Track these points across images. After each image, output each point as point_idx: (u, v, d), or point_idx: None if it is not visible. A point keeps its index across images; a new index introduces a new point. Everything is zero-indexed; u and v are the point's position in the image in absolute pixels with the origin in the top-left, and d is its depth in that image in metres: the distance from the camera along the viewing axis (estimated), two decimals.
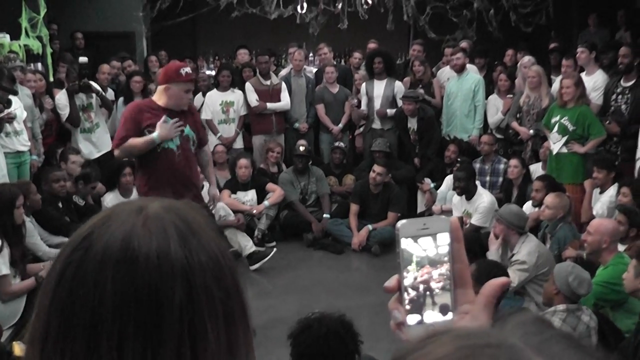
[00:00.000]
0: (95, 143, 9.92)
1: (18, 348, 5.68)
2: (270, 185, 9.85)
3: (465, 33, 12.25)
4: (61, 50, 12.47)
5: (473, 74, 10.81)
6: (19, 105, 8.56)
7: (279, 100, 10.91)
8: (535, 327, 0.83)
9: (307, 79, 11.54)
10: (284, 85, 11.05)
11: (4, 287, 6.22)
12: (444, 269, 1.13)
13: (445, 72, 11.49)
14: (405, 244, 1.13)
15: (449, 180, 9.57)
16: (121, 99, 10.45)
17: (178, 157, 6.39)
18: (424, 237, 1.13)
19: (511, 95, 10.32)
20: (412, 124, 10.46)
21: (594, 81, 9.45)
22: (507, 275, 5.90)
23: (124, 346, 1.03)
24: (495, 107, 10.49)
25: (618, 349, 5.08)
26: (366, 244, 9.50)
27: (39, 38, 10.98)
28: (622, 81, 9.23)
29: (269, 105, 10.78)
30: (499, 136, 10.31)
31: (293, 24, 12.05)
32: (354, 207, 9.85)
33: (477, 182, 9.12)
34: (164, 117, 6.30)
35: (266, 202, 9.68)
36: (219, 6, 11.72)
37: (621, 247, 6.38)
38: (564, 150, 8.73)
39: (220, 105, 10.69)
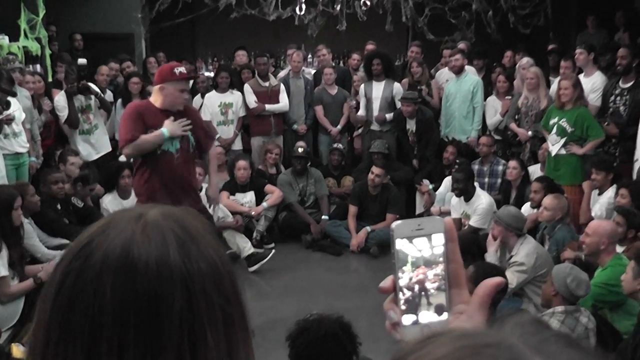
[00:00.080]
0: (94, 145, 9.91)
1: (16, 350, 5.68)
2: (268, 187, 9.86)
3: (463, 34, 12.26)
4: (60, 51, 12.47)
5: (472, 76, 10.81)
6: (17, 107, 8.55)
7: (277, 101, 10.90)
8: (534, 328, 0.83)
9: (306, 80, 11.54)
10: (282, 86, 11.04)
11: (3, 288, 6.22)
12: (439, 269, 1.14)
13: (443, 74, 11.49)
14: (401, 244, 1.13)
15: (447, 181, 9.57)
16: (119, 101, 10.44)
17: (177, 160, 6.38)
18: (419, 238, 1.14)
19: (510, 97, 10.32)
20: (411, 125, 10.46)
21: (593, 82, 9.45)
22: (505, 277, 5.91)
23: (124, 354, 1.03)
24: (494, 108, 10.49)
25: (616, 350, 5.08)
26: (365, 245, 9.50)
27: (38, 39, 10.99)
28: (620, 82, 9.23)
29: (268, 106, 10.78)
30: (497, 137, 10.31)
31: (292, 26, 12.06)
32: (352, 209, 9.85)
33: (476, 184, 9.11)
34: (171, 118, 6.31)
35: (265, 204, 9.68)
36: (218, 7, 11.73)
37: (619, 249, 6.39)
38: (563, 151, 8.73)
39: (219, 107, 10.68)
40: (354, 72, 11.86)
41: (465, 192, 8.79)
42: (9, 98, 8.39)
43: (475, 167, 9.83)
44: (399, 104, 10.53)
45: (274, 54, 13.60)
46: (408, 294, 1.13)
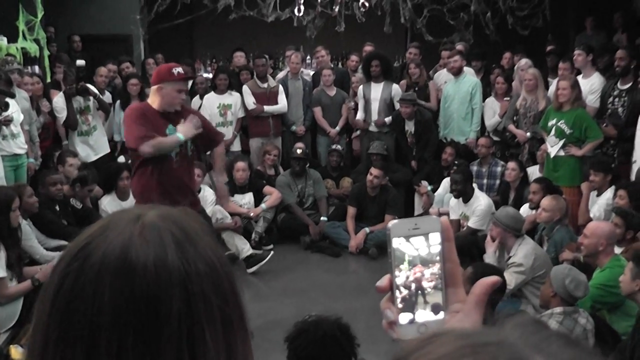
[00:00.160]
0: (92, 146, 9.91)
1: (15, 351, 5.68)
2: (267, 188, 9.86)
3: (462, 36, 12.27)
4: (58, 52, 12.47)
5: (470, 77, 10.81)
6: (16, 108, 8.55)
7: (276, 103, 10.90)
8: (533, 328, 0.83)
9: (304, 81, 11.53)
10: (281, 88, 11.04)
11: (1, 289, 6.21)
12: (436, 268, 1.14)
13: (442, 75, 11.48)
14: (397, 243, 1.14)
15: (446, 183, 9.57)
16: (118, 102, 10.44)
17: (176, 164, 6.35)
18: (415, 237, 1.14)
19: (508, 98, 10.31)
20: (410, 126, 10.46)
21: (591, 84, 9.46)
22: (503, 278, 5.91)
23: (123, 355, 1.03)
24: (493, 109, 10.48)
25: (615, 351, 5.08)
26: (363, 246, 9.50)
27: (37, 41, 11.00)
28: (618, 84, 9.24)
29: (266, 108, 10.78)
30: (496, 139, 10.30)
31: (290, 27, 12.09)
32: (351, 210, 9.85)
33: (474, 185, 9.11)
34: (181, 120, 6.30)
35: (263, 205, 9.68)
36: (217, 9, 11.75)
37: (618, 250, 6.39)
38: (562, 153, 8.73)
39: (217, 108, 10.67)
40: (352, 74, 11.86)
41: (463, 193, 8.80)
42: (8, 99, 8.40)
43: (474, 168, 9.83)
44: (397, 106, 10.53)
45: (273, 55, 13.62)
46: (405, 292, 1.14)
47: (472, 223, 8.65)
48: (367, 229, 9.61)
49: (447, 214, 9.02)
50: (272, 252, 8.96)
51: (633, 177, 8.26)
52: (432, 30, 12.30)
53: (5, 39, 10.20)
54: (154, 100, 6.23)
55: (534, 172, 9.38)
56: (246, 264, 8.71)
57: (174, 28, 12.55)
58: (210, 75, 12.23)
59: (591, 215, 8.05)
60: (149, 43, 14.20)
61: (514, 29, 11.98)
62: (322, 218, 10.02)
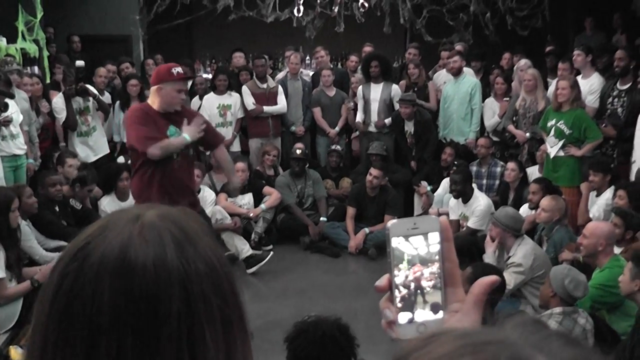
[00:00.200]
0: (92, 147, 9.90)
1: (14, 352, 5.68)
2: (266, 189, 9.86)
3: (461, 36, 12.26)
4: (58, 53, 12.47)
5: (470, 77, 10.80)
6: (15, 109, 8.55)
7: (275, 103, 10.90)
8: (533, 327, 0.84)
9: (304, 82, 11.53)
10: (280, 88, 11.04)
11: (0, 290, 6.21)
12: (435, 267, 1.14)
13: (441, 76, 11.48)
14: (396, 242, 1.14)
15: (445, 183, 9.57)
16: (118, 103, 10.44)
17: (177, 165, 6.35)
18: (414, 236, 1.14)
19: (508, 99, 10.31)
20: (409, 127, 10.46)
21: (590, 84, 9.45)
22: (502, 278, 5.91)
23: (122, 356, 1.03)
24: (492, 110, 10.47)
25: (614, 351, 5.08)
26: (363, 247, 9.50)
27: (36, 41, 11.00)
28: (618, 84, 9.24)
29: (266, 108, 10.78)
30: (495, 139, 10.29)
31: (290, 27, 12.07)
32: (350, 210, 9.85)
33: (474, 185, 9.12)
34: (185, 121, 6.30)
35: (263, 206, 9.68)
36: (216, 9, 11.74)
37: (617, 250, 6.39)
38: (561, 153, 8.72)
39: (217, 109, 10.67)
40: (352, 74, 11.86)
41: (463, 193, 8.80)
42: (7, 100, 8.40)
43: (473, 168, 9.83)
44: (397, 106, 10.53)
45: (272, 55, 13.61)
46: (404, 291, 1.14)
47: (471, 223, 8.66)
48: (366, 230, 9.62)
49: (447, 214, 9.02)
50: (271, 253, 8.97)
51: (632, 178, 8.26)
52: (432, 31, 12.29)
53: (4, 39, 10.20)
54: (154, 100, 6.22)
55: (533, 172, 9.38)
56: (246, 265, 8.72)
57: (174, 29, 12.53)
58: (210, 76, 12.23)
59: (590, 215, 8.05)
60: (148, 44, 14.20)
61: (514, 30, 11.97)
62: (321, 218, 10.02)
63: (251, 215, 9.57)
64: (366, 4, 11.44)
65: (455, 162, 9.92)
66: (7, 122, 8.38)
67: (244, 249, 8.88)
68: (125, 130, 6.48)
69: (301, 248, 9.75)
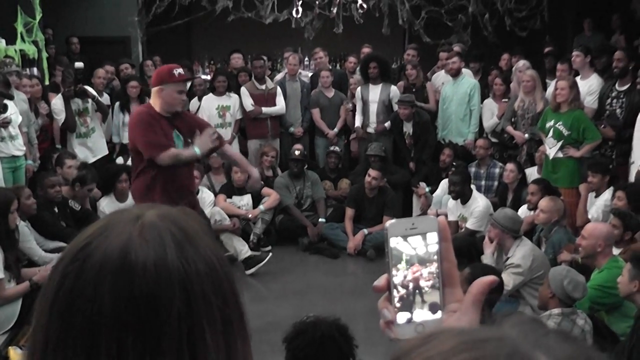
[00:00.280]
0: (91, 148, 9.91)
1: (14, 353, 5.67)
2: (265, 190, 9.85)
3: (460, 37, 12.27)
4: (57, 54, 12.47)
5: (469, 78, 10.80)
6: (14, 110, 8.55)
7: (274, 104, 10.91)
8: (531, 325, 0.84)
9: (302, 83, 11.54)
10: (279, 89, 11.05)
11: None
12: (433, 267, 1.14)
13: (440, 77, 11.49)
14: (395, 242, 1.14)
15: (444, 184, 9.58)
16: (117, 104, 10.45)
17: (179, 166, 6.37)
18: (413, 236, 1.14)
19: (506, 100, 10.31)
20: (408, 128, 10.46)
21: (589, 85, 9.46)
22: (500, 279, 5.91)
23: (123, 356, 1.03)
24: (491, 111, 10.48)
25: (613, 352, 5.08)
26: (362, 248, 9.50)
27: (35, 43, 11.00)
28: (616, 85, 9.25)
29: (264, 109, 10.79)
30: (494, 140, 10.30)
31: (288, 29, 12.06)
32: (349, 212, 9.85)
33: (473, 186, 9.12)
34: (197, 132, 6.32)
35: (261, 207, 9.68)
36: (215, 10, 11.73)
37: (616, 251, 6.39)
38: (560, 154, 8.72)
39: (216, 110, 10.68)
40: (350, 75, 11.86)
41: (462, 194, 8.81)
42: (6, 101, 8.40)
43: (472, 169, 9.84)
44: (396, 107, 10.53)
45: (271, 57, 13.61)
46: (402, 291, 1.14)
47: (470, 224, 8.66)
48: (365, 231, 9.62)
49: (445, 215, 9.02)
50: (270, 254, 8.96)
51: (631, 179, 8.26)
52: (430, 32, 12.28)
53: (3, 41, 10.20)
54: (155, 102, 6.22)
55: (532, 173, 9.39)
56: (245, 266, 8.72)
57: (172, 30, 12.53)
58: (209, 77, 12.23)
59: (589, 216, 8.06)
60: (147, 45, 14.20)
61: (512, 31, 11.97)
62: (320, 219, 10.01)
63: (250, 216, 9.57)
64: (365, 5, 11.44)
65: (454, 163, 9.93)
66: (6, 124, 8.38)
67: (243, 250, 8.88)
68: (131, 132, 6.41)
69: (300, 249, 9.75)
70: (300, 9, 11.45)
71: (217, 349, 1.08)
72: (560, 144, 8.68)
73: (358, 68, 11.58)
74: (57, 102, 9.73)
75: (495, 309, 5.49)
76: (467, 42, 12.27)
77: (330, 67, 12.32)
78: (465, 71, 10.94)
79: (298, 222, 9.96)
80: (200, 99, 10.85)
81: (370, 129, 10.85)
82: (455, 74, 10.63)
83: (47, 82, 10.86)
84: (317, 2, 11.66)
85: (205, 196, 9.25)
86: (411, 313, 1.13)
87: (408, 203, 10.52)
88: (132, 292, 1.04)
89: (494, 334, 0.82)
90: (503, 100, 10.38)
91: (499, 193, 9.57)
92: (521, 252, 6.81)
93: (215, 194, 9.62)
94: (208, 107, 10.65)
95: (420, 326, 1.12)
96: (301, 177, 10.21)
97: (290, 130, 11.29)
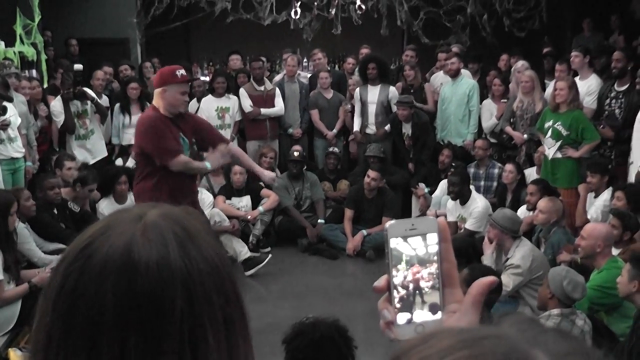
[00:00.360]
0: (90, 150, 9.92)
1: (14, 354, 5.67)
2: (264, 191, 9.85)
3: (459, 38, 12.28)
4: (56, 56, 12.47)
5: (467, 79, 10.80)
6: (13, 112, 8.56)
7: (272, 105, 10.91)
8: (529, 324, 0.85)
9: (301, 84, 11.54)
10: (277, 90, 11.05)
11: None
12: (433, 268, 1.14)
13: (438, 77, 11.49)
14: (395, 243, 1.14)
15: (443, 185, 9.57)
16: (117, 106, 10.45)
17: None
18: (413, 237, 1.14)
19: (505, 100, 10.31)
20: (407, 129, 10.45)
21: (588, 85, 9.46)
22: (499, 279, 5.91)
23: (125, 354, 1.03)
24: (490, 111, 10.48)
25: (613, 352, 5.08)
26: (361, 249, 9.50)
27: (34, 45, 10.99)
28: (615, 85, 9.25)
29: (263, 110, 10.79)
30: (493, 141, 10.29)
31: (287, 30, 12.09)
32: (348, 213, 9.85)
33: (472, 187, 9.12)
34: (209, 149, 6.39)
35: (261, 208, 9.67)
36: (213, 12, 11.75)
37: (615, 251, 6.39)
38: (559, 155, 8.73)
39: (215, 111, 10.67)
40: (349, 76, 11.86)
41: (461, 195, 8.80)
42: (5, 103, 8.40)
43: (471, 170, 9.83)
44: (394, 108, 10.53)
45: (270, 58, 13.62)
46: (402, 292, 1.14)
47: (469, 225, 8.66)
48: (364, 232, 9.62)
49: (445, 216, 9.03)
50: (269, 255, 8.97)
51: (630, 179, 8.26)
52: (429, 33, 12.30)
53: (2, 43, 10.19)
54: (158, 103, 6.22)
55: (531, 174, 9.39)
56: (244, 267, 8.72)
57: (171, 31, 12.56)
58: (208, 78, 12.24)
59: (588, 216, 8.06)
60: (145, 47, 14.20)
61: (511, 31, 11.99)
62: (319, 220, 10.01)
63: (249, 217, 9.57)
64: (363, 6, 11.46)
65: (453, 164, 9.93)
66: (5, 126, 8.38)
67: (242, 251, 8.88)
68: (140, 138, 6.38)
69: (299, 250, 9.75)
70: (298, 10, 11.48)
71: (218, 348, 1.08)
72: (559, 144, 8.69)
73: (357, 69, 11.57)
74: (56, 104, 9.74)
75: (494, 309, 5.49)
76: (465, 42, 12.29)
77: (329, 68, 12.32)
78: (464, 72, 10.95)
79: (297, 223, 9.96)
80: (199, 101, 10.84)
81: (369, 130, 10.85)
82: (455, 74, 10.63)
83: (45, 84, 10.85)
84: (315, 4, 11.69)
85: (205, 197, 9.25)
86: (411, 314, 1.14)
87: (407, 204, 10.52)
88: (135, 291, 1.04)
89: (492, 332, 0.83)
90: (502, 100, 10.38)
91: (498, 194, 9.56)
92: (520, 253, 6.81)
93: (215, 195, 9.63)
94: (207, 108, 10.64)
95: (420, 327, 1.12)
96: (300, 178, 10.21)
97: (289, 132, 11.29)
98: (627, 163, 8.60)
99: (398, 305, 1.14)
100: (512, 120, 9.90)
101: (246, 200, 9.76)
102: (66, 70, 10.79)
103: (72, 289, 1.06)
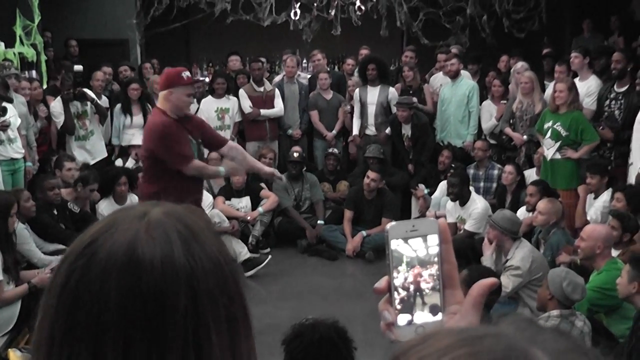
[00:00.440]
0: (89, 150, 9.92)
1: (14, 355, 5.67)
2: (264, 192, 9.86)
3: (458, 39, 12.28)
4: (56, 57, 12.48)
5: (467, 80, 10.81)
6: (13, 113, 8.56)
7: (272, 106, 10.93)
8: (527, 323, 0.86)
9: (300, 85, 11.56)
10: (277, 91, 11.07)
11: None
12: (434, 269, 1.14)
13: (438, 78, 11.49)
14: (396, 244, 1.14)
15: (442, 186, 9.58)
16: (119, 106, 10.45)
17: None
18: (413, 239, 1.14)
19: (505, 101, 10.32)
20: (406, 130, 10.46)
21: (588, 86, 9.46)
22: (498, 280, 5.91)
23: (129, 352, 1.03)
24: (489, 112, 10.49)
25: (612, 354, 5.08)
26: (360, 250, 9.50)
27: (34, 46, 10.99)
28: (615, 87, 9.24)
29: (263, 111, 10.80)
30: (492, 142, 10.30)
31: (287, 31, 12.08)
32: (348, 213, 9.85)
33: (471, 188, 9.12)
34: (224, 160, 6.45)
35: (260, 209, 9.68)
36: (213, 13, 11.75)
37: (615, 253, 6.39)
38: (558, 156, 8.73)
39: (215, 112, 10.68)
40: (349, 77, 11.86)
41: (460, 196, 8.81)
42: (5, 104, 8.41)
43: (471, 171, 9.84)
44: (394, 109, 10.53)
45: (269, 59, 13.62)
46: (403, 293, 1.14)
47: (468, 226, 8.66)
48: (364, 233, 9.61)
49: (444, 217, 9.03)
50: (269, 256, 8.98)
51: (630, 180, 8.26)
52: (428, 34, 12.30)
53: (2, 44, 10.19)
54: (164, 105, 6.21)
55: (530, 175, 9.40)
56: (244, 268, 8.70)
57: (170, 32, 12.55)
58: (207, 79, 12.24)
59: (588, 217, 8.07)
60: (145, 48, 14.20)
61: (510, 32, 11.99)
62: (319, 221, 10.01)
63: (249, 218, 9.58)
64: (363, 7, 11.46)
65: (453, 165, 9.94)
66: (5, 127, 8.39)
67: (242, 252, 8.88)
68: (154, 142, 6.28)
69: (299, 251, 9.76)
70: (298, 11, 11.48)
71: (221, 346, 1.09)
72: (558, 144, 8.69)
73: (356, 70, 11.58)
74: (56, 105, 9.75)
75: (493, 310, 5.49)
76: (465, 43, 12.29)
77: (329, 69, 12.32)
78: (464, 73, 10.96)
79: (297, 224, 9.97)
80: (199, 102, 10.84)
81: (369, 131, 10.85)
82: (454, 75, 10.65)
83: (45, 85, 10.85)
84: (315, 5, 11.68)
85: (204, 198, 9.23)
86: (412, 315, 1.14)
87: (407, 205, 10.52)
88: (139, 289, 1.05)
89: (491, 331, 0.84)
90: (501, 101, 10.40)
91: (497, 195, 9.57)
92: (520, 254, 6.81)
93: (214, 196, 9.63)
94: (207, 109, 10.64)
95: (420, 328, 1.12)
96: (300, 179, 10.22)
97: (288, 133, 11.30)
98: (627, 164, 8.60)
99: (399, 307, 1.14)
100: (511, 121, 9.91)
101: (246, 201, 9.77)
102: (66, 71, 10.81)
103: (76, 287, 1.06)
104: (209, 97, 10.85)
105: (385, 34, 12.24)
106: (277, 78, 11.99)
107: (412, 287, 1.14)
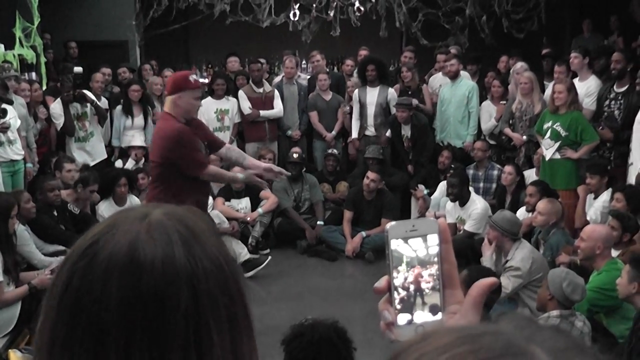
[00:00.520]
0: (89, 152, 9.92)
1: (14, 356, 5.67)
2: (264, 193, 9.84)
3: (457, 39, 12.28)
4: (55, 59, 12.48)
5: (467, 81, 10.80)
6: (13, 115, 8.56)
7: (271, 107, 10.92)
8: (525, 322, 0.86)
9: (300, 86, 11.55)
10: (276, 92, 11.06)
11: None
12: (434, 269, 1.14)
13: (437, 79, 11.49)
14: (395, 244, 1.14)
15: (442, 186, 9.58)
16: (118, 108, 10.46)
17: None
18: (413, 238, 1.14)
19: (504, 102, 10.32)
20: (406, 130, 10.45)
21: (587, 87, 9.45)
22: (498, 280, 5.91)
23: (130, 352, 1.04)
24: (489, 113, 10.49)
25: (612, 354, 5.08)
26: (360, 250, 9.49)
27: (33, 47, 11.00)
28: (615, 87, 9.24)
29: (262, 112, 10.80)
30: (492, 142, 10.30)
31: (286, 32, 12.09)
32: (347, 214, 9.85)
33: (471, 189, 9.12)
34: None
35: (260, 210, 9.68)
36: (212, 14, 11.75)
37: (615, 253, 6.39)
38: (557, 156, 8.73)
39: (215, 113, 10.68)
40: (348, 78, 11.86)
41: (460, 197, 8.80)
42: (5, 106, 8.41)
43: (470, 172, 9.84)
44: (393, 110, 10.53)
45: (269, 60, 13.62)
46: (403, 293, 1.14)
47: (468, 227, 8.66)
48: (363, 233, 9.61)
49: (444, 217, 9.02)
50: (269, 257, 8.97)
51: (630, 180, 8.26)
52: (427, 34, 12.31)
53: (2, 46, 10.20)
54: (173, 110, 6.17)
55: (530, 175, 9.39)
56: (243, 269, 8.70)
57: (170, 34, 12.56)
58: (206, 81, 12.24)
59: (588, 218, 8.06)
60: (144, 49, 14.20)
61: (510, 33, 12.00)
62: (318, 222, 10.00)
63: (248, 219, 9.58)
64: (362, 8, 11.46)
65: (452, 166, 9.94)
66: (5, 128, 8.39)
67: (242, 253, 8.88)
68: (169, 149, 6.19)
69: (298, 252, 9.76)
70: (297, 12, 11.49)
71: (223, 346, 1.09)
72: (557, 145, 8.69)
73: (355, 71, 11.58)
74: (55, 106, 9.75)
75: (492, 310, 5.49)
76: (464, 44, 12.29)
77: (328, 70, 12.33)
78: (464, 73, 10.95)
79: (296, 225, 9.96)
80: None
81: (368, 132, 10.85)
82: (454, 76, 10.64)
83: (44, 87, 10.85)
84: (314, 6, 11.69)
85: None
86: (412, 315, 1.14)
87: (406, 205, 10.51)
88: (140, 290, 1.05)
89: (490, 329, 0.84)
90: (501, 102, 10.39)
91: (497, 195, 9.57)
92: (520, 255, 6.80)
93: (214, 197, 9.62)
94: (207, 110, 10.62)
95: (420, 327, 1.12)
96: (299, 180, 10.21)
97: (288, 134, 11.30)
98: (627, 164, 8.60)
99: (398, 307, 1.14)
100: (511, 121, 9.90)
101: (245, 202, 9.77)
102: (66, 72, 10.81)
103: (78, 287, 1.07)
104: (209, 98, 10.83)
105: (384, 34, 12.25)
106: (277, 79, 11.99)
107: (412, 287, 1.14)
